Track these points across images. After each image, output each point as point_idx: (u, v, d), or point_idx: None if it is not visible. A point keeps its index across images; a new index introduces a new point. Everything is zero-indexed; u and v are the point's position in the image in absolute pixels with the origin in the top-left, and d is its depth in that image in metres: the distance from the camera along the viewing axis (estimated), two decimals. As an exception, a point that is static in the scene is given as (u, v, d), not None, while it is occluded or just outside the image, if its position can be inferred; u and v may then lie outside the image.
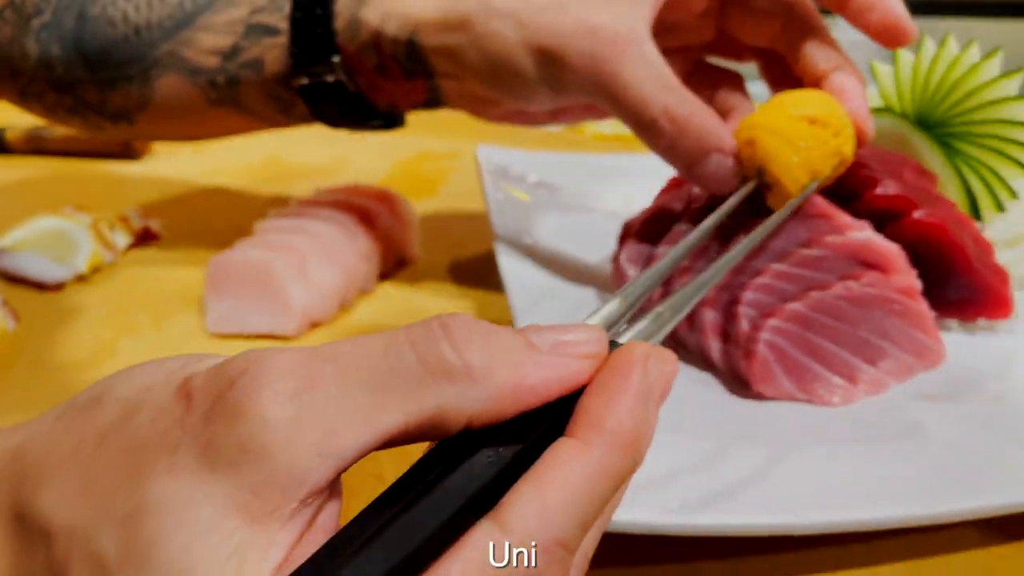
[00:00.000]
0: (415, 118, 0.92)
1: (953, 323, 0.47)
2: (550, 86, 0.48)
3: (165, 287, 0.64)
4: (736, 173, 0.45)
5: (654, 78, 0.45)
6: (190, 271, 0.66)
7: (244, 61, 0.56)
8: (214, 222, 0.73)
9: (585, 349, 0.23)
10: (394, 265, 0.64)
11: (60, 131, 0.88)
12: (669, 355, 0.25)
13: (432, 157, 0.82)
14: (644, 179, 0.62)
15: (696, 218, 0.49)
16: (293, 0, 0.54)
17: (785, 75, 0.50)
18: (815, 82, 0.48)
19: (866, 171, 0.47)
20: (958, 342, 0.46)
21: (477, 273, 0.62)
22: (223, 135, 0.64)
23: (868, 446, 0.39)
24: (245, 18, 0.55)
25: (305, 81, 0.54)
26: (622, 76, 0.45)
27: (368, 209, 0.62)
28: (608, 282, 0.54)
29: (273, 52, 0.55)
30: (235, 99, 0.57)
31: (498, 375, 0.22)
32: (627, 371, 0.23)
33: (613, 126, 0.81)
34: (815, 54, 0.47)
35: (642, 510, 0.32)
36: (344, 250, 0.59)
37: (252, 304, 0.57)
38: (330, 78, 0.54)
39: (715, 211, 0.47)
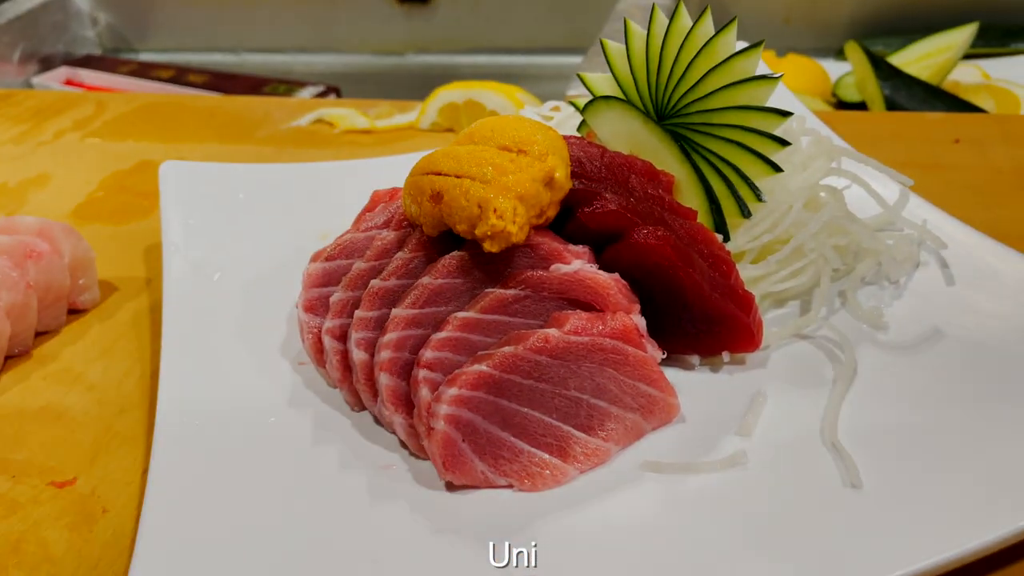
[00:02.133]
0: (138, 121, 0.79)
1: (695, 359, 0.39)
2: None
3: None
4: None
5: None
6: None
7: None
8: None
9: None
10: (63, 317, 0.51)
11: None
12: None
13: (152, 167, 0.68)
14: (360, 190, 0.51)
15: (382, 255, 0.39)
16: None
17: None
18: None
19: (581, 181, 0.38)
20: (699, 383, 0.37)
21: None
22: None
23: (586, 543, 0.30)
24: None
25: None
26: None
27: (19, 250, 0.49)
28: (295, 324, 0.43)
29: None
30: None
31: None
32: None
33: (366, 119, 0.70)
34: None
35: None
36: (-20, 308, 0.46)
37: None
38: None
39: (401, 251, 0.37)
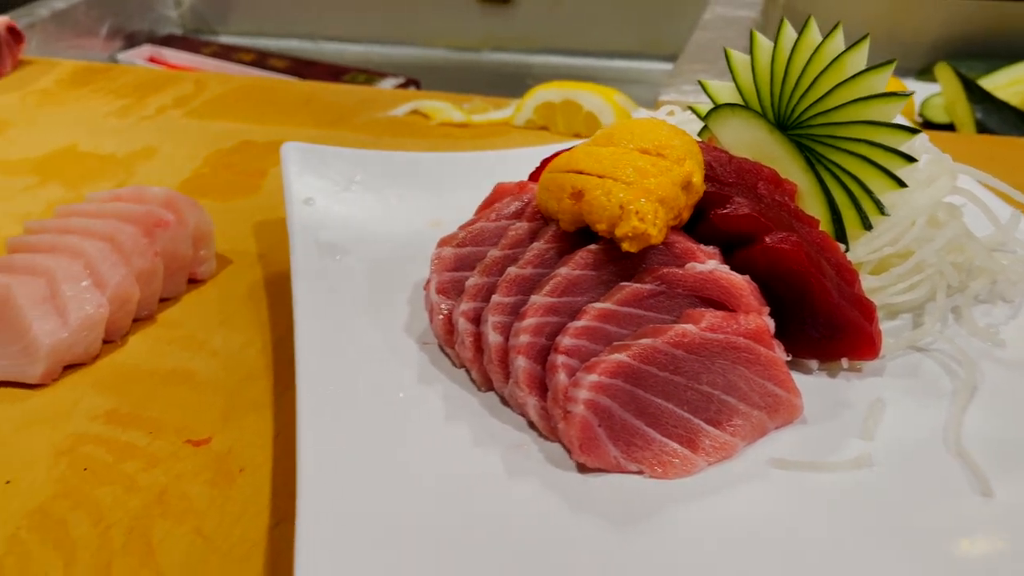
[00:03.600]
0: (236, 102, 0.82)
1: (813, 364, 0.40)
2: None
3: None
4: None
5: None
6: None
7: None
8: (-21, 229, 0.61)
9: None
10: (183, 285, 0.53)
11: None
12: None
13: (253, 147, 0.71)
14: (468, 181, 0.53)
15: (516, 245, 0.41)
16: None
17: None
18: None
19: (713, 184, 0.39)
20: (818, 388, 0.39)
21: (281, 294, 0.52)
22: None
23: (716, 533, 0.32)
24: None
25: None
26: None
27: (150, 219, 0.51)
28: (419, 305, 0.45)
29: None
30: None
31: None
32: None
33: (462, 113, 0.72)
34: None
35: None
36: (113, 271, 0.48)
37: (-14, 343, 0.46)
38: None
39: (537, 242, 0.39)
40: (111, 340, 0.48)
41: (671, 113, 0.54)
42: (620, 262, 0.38)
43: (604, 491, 0.34)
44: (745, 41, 0.82)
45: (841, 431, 0.37)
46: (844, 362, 0.39)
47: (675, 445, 0.35)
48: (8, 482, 0.40)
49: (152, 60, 1.19)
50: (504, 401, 0.39)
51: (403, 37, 1.19)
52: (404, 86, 1.02)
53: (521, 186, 0.44)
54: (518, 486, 0.34)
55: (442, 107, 0.73)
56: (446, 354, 0.42)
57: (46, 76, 0.89)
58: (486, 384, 0.40)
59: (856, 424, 0.37)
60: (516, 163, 0.54)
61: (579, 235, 0.39)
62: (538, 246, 0.39)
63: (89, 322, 0.47)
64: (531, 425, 0.38)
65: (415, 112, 0.75)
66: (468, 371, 0.41)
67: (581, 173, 0.37)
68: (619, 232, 0.36)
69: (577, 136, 0.68)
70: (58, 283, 0.47)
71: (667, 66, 1.09)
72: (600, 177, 0.36)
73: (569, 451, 0.35)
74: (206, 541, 0.36)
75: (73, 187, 0.67)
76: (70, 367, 0.47)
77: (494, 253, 0.40)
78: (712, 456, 0.35)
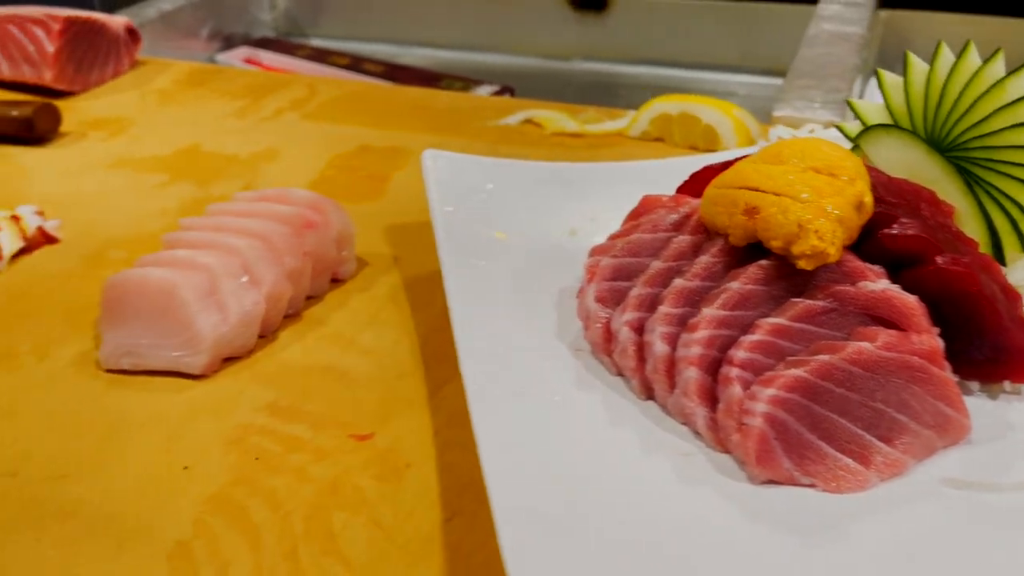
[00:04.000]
0: (350, 106, 0.84)
1: (974, 385, 0.40)
2: None
3: (57, 305, 0.55)
4: None
5: None
6: (89, 286, 0.56)
7: None
8: (120, 226, 0.63)
9: None
10: (326, 285, 0.55)
11: (-51, 108, 0.77)
12: None
13: (373, 152, 0.73)
14: (605, 192, 0.55)
15: (679, 257, 0.42)
16: None
17: None
18: None
19: (878, 204, 0.40)
20: (981, 409, 0.39)
21: (421, 299, 0.54)
22: None
23: (892, 548, 0.33)
24: None
25: None
26: None
27: (299, 220, 0.53)
28: (569, 310, 0.46)
29: None
30: None
31: None
32: None
33: (576, 123, 0.73)
34: None
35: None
36: (267, 268, 0.50)
37: (153, 336, 0.48)
38: None
39: (704, 255, 0.40)
40: (264, 336, 0.50)
41: (812, 131, 0.55)
42: (791, 278, 0.38)
43: (778, 502, 0.35)
44: (854, 59, 0.82)
45: (1008, 452, 0.37)
46: (1007, 384, 0.39)
47: (848, 460, 0.35)
48: (185, 468, 0.42)
49: (248, 61, 1.22)
50: (665, 410, 0.40)
51: (493, 44, 1.21)
52: (499, 93, 1.04)
53: (677, 199, 0.45)
54: (693, 494, 0.35)
55: (556, 117, 0.74)
56: (601, 362, 0.43)
57: (162, 76, 0.92)
58: (646, 393, 0.41)
59: (1022, 445, 0.37)
60: (653, 174, 0.55)
61: (746, 250, 0.40)
62: (704, 259, 0.40)
63: (247, 318, 0.49)
64: (695, 435, 0.39)
65: (528, 121, 0.76)
66: (626, 379, 0.42)
67: (756, 190, 0.38)
68: (796, 250, 0.36)
69: (693, 149, 0.69)
70: (218, 279, 0.49)
71: (761, 79, 1.09)
72: (776, 195, 0.37)
73: (741, 462, 0.36)
74: (384, 533, 0.38)
75: (202, 186, 0.69)
76: (228, 360, 0.49)
77: (657, 264, 0.41)
78: (883, 472, 0.36)
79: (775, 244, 0.37)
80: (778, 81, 1.09)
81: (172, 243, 0.53)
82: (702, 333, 0.38)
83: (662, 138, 0.71)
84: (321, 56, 1.20)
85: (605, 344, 0.42)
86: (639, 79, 1.13)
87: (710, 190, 0.40)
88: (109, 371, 0.48)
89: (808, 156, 0.39)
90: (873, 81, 0.88)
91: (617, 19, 1.13)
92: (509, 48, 1.19)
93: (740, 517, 0.34)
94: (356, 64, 1.17)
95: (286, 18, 1.32)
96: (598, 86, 1.14)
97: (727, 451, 0.37)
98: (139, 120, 0.82)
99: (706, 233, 0.42)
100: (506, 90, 1.05)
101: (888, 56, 1.02)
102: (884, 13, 1.02)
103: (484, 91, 1.03)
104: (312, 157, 0.73)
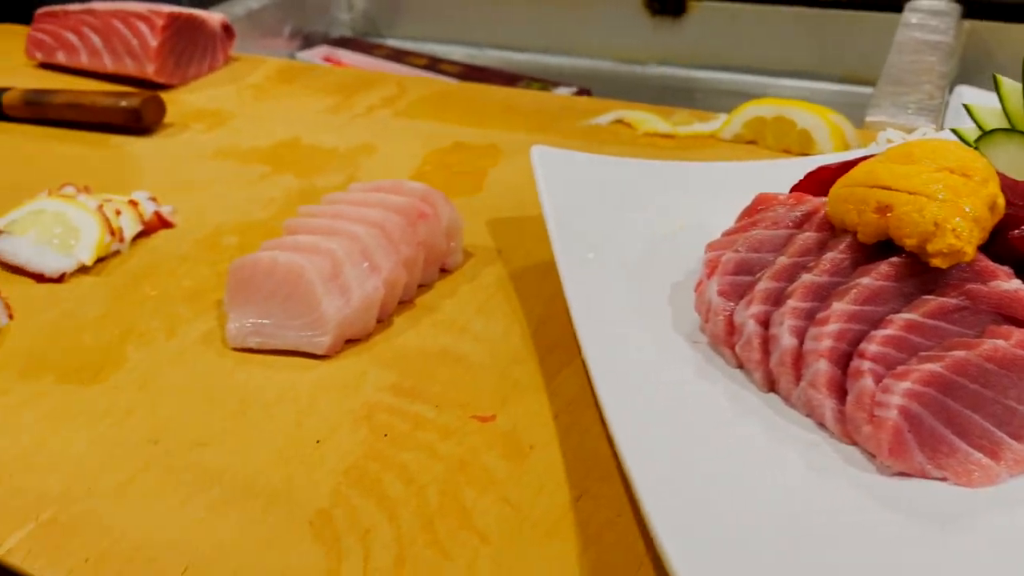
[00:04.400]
0: (441, 104, 0.86)
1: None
2: None
3: (179, 286, 0.57)
4: None
5: None
6: (206, 269, 0.59)
7: None
8: (229, 213, 0.66)
9: None
10: (436, 274, 0.57)
11: (63, 96, 0.81)
12: None
13: (467, 148, 0.74)
14: (711, 190, 0.56)
15: (804, 253, 0.42)
16: None
17: None
18: None
19: (1007, 206, 0.40)
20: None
21: (527, 289, 0.55)
22: None
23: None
24: None
25: None
26: None
27: (412, 211, 0.55)
28: (682, 303, 0.47)
29: None
30: None
31: None
32: None
33: (668, 124, 0.74)
34: None
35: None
36: (385, 256, 0.52)
37: (279, 316, 0.50)
38: None
39: (831, 251, 0.40)
40: (381, 320, 0.52)
41: (924, 135, 0.55)
42: (921, 276, 0.39)
43: (909, 494, 0.36)
44: (944, 66, 0.82)
45: None
46: None
47: (979, 455, 0.36)
48: (318, 441, 0.44)
49: (327, 60, 1.25)
50: (787, 403, 0.41)
51: (569, 47, 1.22)
52: (577, 95, 1.05)
53: (797, 197, 0.46)
54: (824, 481, 0.36)
55: (647, 118, 0.75)
56: (720, 354, 0.44)
57: (255, 72, 0.95)
58: (768, 385, 0.42)
59: None
60: (758, 174, 0.56)
61: (873, 248, 0.41)
62: (831, 256, 0.41)
63: (368, 302, 0.51)
64: (819, 427, 0.40)
65: (618, 121, 0.77)
66: (746, 372, 0.43)
67: (888, 189, 0.39)
68: (932, 248, 0.37)
69: (787, 152, 0.69)
70: (342, 264, 0.51)
71: (837, 87, 1.09)
72: (910, 194, 0.38)
73: (872, 453, 0.37)
74: (514, 510, 0.39)
75: (305, 177, 0.71)
76: (349, 342, 0.51)
77: (783, 260, 0.42)
78: (1013, 469, 0.36)
79: (909, 242, 0.38)
80: (855, 88, 1.09)
81: (294, 229, 0.55)
82: (832, 327, 0.38)
83: (755, 141, 0.71)
84: (399, 56, 1.23)
85: (727, 337, 0.43)
86: (714, 84, 1.14)
87: (838, 188, 0.41)
88: (236, 349, 0.50)
89: (941, 157, 0.39)
90: (959, 89, 0.88)
91: (694, 24, 1.14)
92: (584, 51, 1.21)
93: (873, 505, 0.35)
94: (433, 64, 1.19)
95: (364, 18, 1.34)
96: (673, 90, 1.14)
97: (854, 443, 0.38)
98: (237, 113, 0.85)
99: (831, 230, 0.42)
100: (583, 92, 1.07)
101: (971, 66, 1.01)
102: (968, 23, 1.02)
103: (562, 92, 1.05)
104: (408, 153, 0.75)
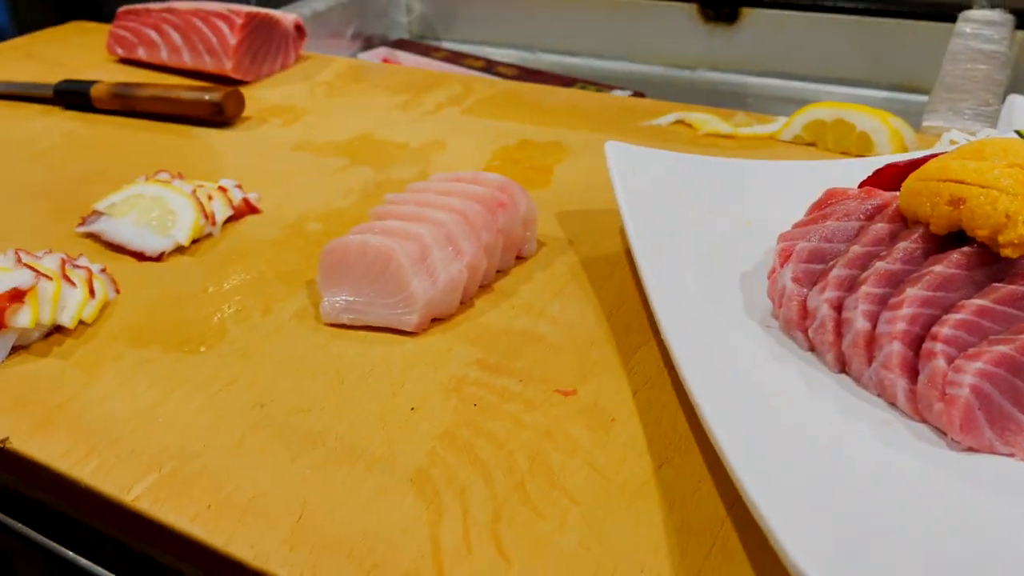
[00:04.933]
0: (506, 103, 0.89)
1: None
2: None
3: (270, 267, 0.61)
4: None
5: None
6: (294, 252, 0.63)
7: None
8: (311, 201, 0.70)
9: None
10: (512, 261, 0.60)
11: (149, 89, 0.85)
12: None
13: (534, 146, 0.78)
14: (777, 187, 0.59)
15: (877, 243, 0.45)
16: None
17: None
18: None
19: (1074, 202, 0.43)
20: None
21: (600, 277, 0.58)
22: None
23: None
24: None
25: None
26: None
27: (492, 200, 0.58)
28: (752, 291, 0.50)
29: None
30: None
31: None
32: None
33: (729, 126, 0.77)
34: None
35: None
36: (468, 242, 0.55)
37: (371, 295, 0.53)
38: None
39: (903, 241, 0.43)
40: (463, 302, 0.55)
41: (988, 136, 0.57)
42: (991, 265, 0.41)
43: (979, 469, 0.38)
44: (999, 75, 0.84)
45: None
46: None
47: (1045, 434, 0.38)
48: (412, 409, 0.47)
49: (386, 61, 1.29)
50: (858, 383, 0.43)
51: (621, 52, 1.25)
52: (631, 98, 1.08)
53: (868, 191, 0.48)
54: (898, 456, 0.39)
55: (708, 119, 0.78)
56: (792, 337, 0.47)
57: (325, 70, 0.99)
58: (839, 366, 0.44)
59: None
60: (823, 172, 0.59)
61: (944, 238, 0.43)
62: (904, 245, 0.43)
63: (453, 283, 0.54)
64: (890, 406, 0.42)
65: (679, 122, 0.80)
66: (817, 354, 0.45)
67: (960, 183, 0.41)
68: (1003, 239, 0.39)
69: (846, 154, 0.72)
70: (429, 248, 0.54)
71: (887, 94, 1.11)
72: (983, 187, 0.40)
73: (943, 430, 0.39)
74: (600, 474, 0.42)
75: (381, 170, 0.75)
76: (435, 321, 0.54)
77: (856, 249, 0.45)
78: (1079, 447, 0.38)
79: (981, 233, 0.40)
80: (905, 96, 1.11)
81: (381, 215, 0.58)
82: (906, 311, 0.41)
83: (814, 143, 0.74)
84: (456, 58, 1.26)
85: (800, 320, 0.46)
86: (765, 90, 1.16)
87: (911, 182, 0.44)
88: (329, 325, 0.54)
89: (1011, 154, 0.42)
90: (1011, 98, 0.89)
91: (746, 31, 1.16)
92: (637, 56, 1.24)
93: (946, 479, 0.37)
94: (490, 67, 1.23)
95: (421, 21, 1.38)
96: (724, 95, 1.17)
97: (924, 421, 0.40)
98: (311, 109, 0.88)
99: (903, 222, 0.45)
100: (637, 96, 1.09)
101: (1023, 76, 1.03)
102: (1021, 34, 1.03)
103: (617, 95, 1.08)
104: (477, 149, 0.78)
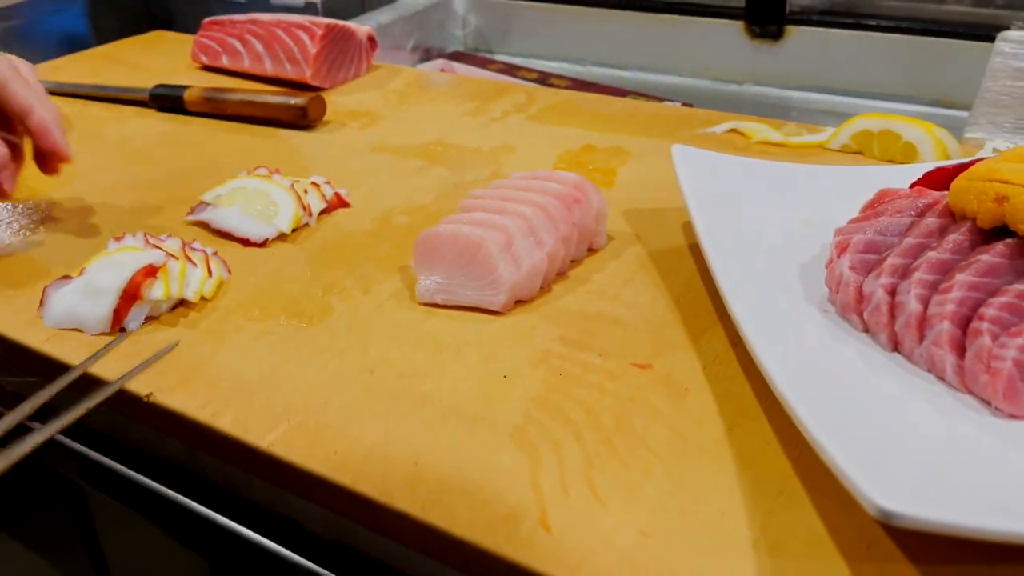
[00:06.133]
0: (568, 111, 0.95)
1: None
2: None
3: (364, 254, 0.67)
4: None
5: None
6: (386, 241, 0.69)
7: None
8: (395, 198, 0.76)
9: None
10: (585, 252, 0.66)
11: (238, 94, 0.92)
12: None
13: (596, 151, 0.83)
14: (831, 189, 0.64)
15: (928, 235, 0.50)
16: None
17: None
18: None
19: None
20: None
21: (666, 268, 0.64)
22: None
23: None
24: None
25: None
26: None
27: (568, 196, 0.64)
28: (811, 281, 0.55)
29: None
30: None
31: None
32: None
33: (780, 135, 0.82)
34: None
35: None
36: (547, 233, 0.61)
37: (461, 278, 0.59)
38: None
39: (952, 234, 0.48)
40: (543, 287, 0.61)
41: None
42: (1030, 256, 0.46)
43: (1019, 432, 0.43)
44: (1038, 91, 0.88)
45: None
46: None
47: (1080, 404, 0.43)
48: (505, 376, 0.52)
49: (443, 71, 1.36)
50: (910, 360, 0.48)
51: (669, 67, 1.31)
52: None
53: (919, 191, 0.53)
54: (951, 420, 0.44)
55: (760, 128, 0.83)
56: (848, 321, 0.52)
57: (396, 79, 1.06)
58: (892, 346, 0.49)
59: None
60: (873, 177, 0.64)
61: (990, 232, 0.48)
62: (953, 237, 0.48)
63: (535, 270, 0.59)
64: (939, 380, 0.47)
65: (732, 131, 0.85)
66: (872, 335, 0.50)
67: (1005, 183, 0.46)
68: None
69: (891, 163, 0.77)
70: (513, 237, 0.60)
71: (928, 109, 1.16)
72: (1024, 186, 0.46)
73: (987, 400, 0.44)
74: (678, 435, 0.47)
75: (456, 171, 0.81)
76: (519, 303, 0.59)
77: (910, 240, 0.50)
78: (1110, 417, 0.43)
79: (1023, 227, 0.45)
80: (945, 111, 1.15)
81: (468, 208, 0.64)
82: (955, 294, 0.46)
83: (861, 152, 0.79)
84: (511, 70, 1.33)
85: (856, 304, 0.51)
86: (809, 104, 1.21)
87: (960, 181, 0.49)
88: (423, 304, 0.60)
89: (1050, 156, 0.47)
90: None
91: (791, 47, 1.21)
92: (685, 71, 1.29)
93: (994, 439, 0.42)
94: (544, 79, 1.29)
95: (476, 35, 1.45)
96: (769, 109, 1.22)
97: (971, 393, 0.45)
98: (386, 114, 0.95)
99: (951, 217, 0.50)
100: (685, 107, 1.15)
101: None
102: (1058, 53, 1.07)
103: (669, 105, 1.13)
104: (543, 152, 0.84)
